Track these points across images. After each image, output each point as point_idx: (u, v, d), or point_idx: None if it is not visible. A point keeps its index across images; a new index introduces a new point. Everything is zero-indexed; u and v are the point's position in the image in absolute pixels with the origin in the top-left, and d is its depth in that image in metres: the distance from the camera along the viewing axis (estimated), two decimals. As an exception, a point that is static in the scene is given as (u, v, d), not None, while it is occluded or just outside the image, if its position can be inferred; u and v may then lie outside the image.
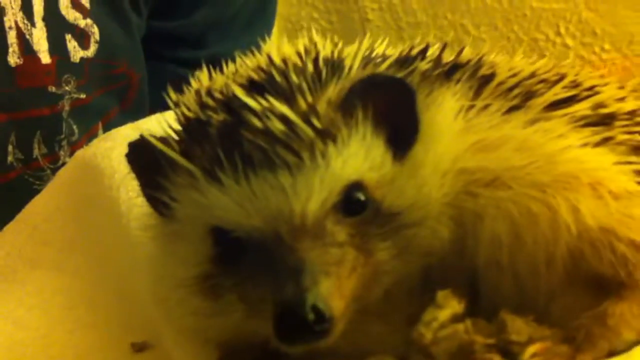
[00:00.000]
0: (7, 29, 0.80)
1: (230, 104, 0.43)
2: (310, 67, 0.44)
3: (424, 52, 0.47)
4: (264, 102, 0.42)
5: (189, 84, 0.52)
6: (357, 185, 0.42)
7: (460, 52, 0.48)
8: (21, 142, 0.83)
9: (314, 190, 0.40)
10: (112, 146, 0.64)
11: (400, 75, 0.44)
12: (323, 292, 0.39)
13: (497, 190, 0.42)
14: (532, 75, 0.47)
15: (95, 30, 0.89)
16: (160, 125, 0.53)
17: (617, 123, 0.45)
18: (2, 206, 0.78)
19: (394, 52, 0.48)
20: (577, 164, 0.42)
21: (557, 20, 1.68)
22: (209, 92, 0.46)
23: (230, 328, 0.45)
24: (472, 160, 0.42)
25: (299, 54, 0.45)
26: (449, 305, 0.40)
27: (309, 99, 0.42)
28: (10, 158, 0.83)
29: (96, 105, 0.90)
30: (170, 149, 0.44)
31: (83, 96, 0.88)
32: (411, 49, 0.48)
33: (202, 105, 0.45)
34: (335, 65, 0.44)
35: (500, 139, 0.42)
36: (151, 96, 0.96)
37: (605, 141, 0.44)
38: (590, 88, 0.48)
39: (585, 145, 0.43)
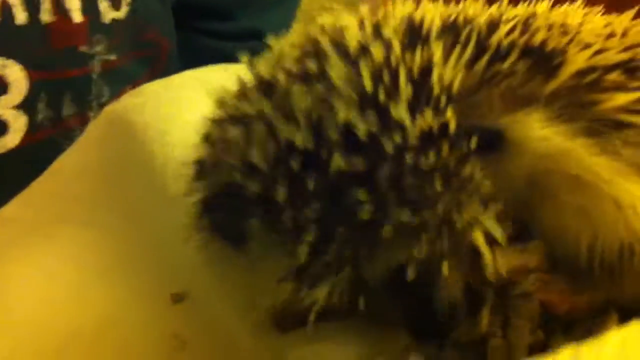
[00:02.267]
0: None
1: None
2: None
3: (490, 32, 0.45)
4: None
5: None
6: None
7: (526, 29, 0.45)
8: (51, 101, 0.83)
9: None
10: (144, 101, 0.63)
11: (477, 71, 0.43)
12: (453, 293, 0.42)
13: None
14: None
15: None
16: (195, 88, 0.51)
17: None
18: (31, 166, 0.78)
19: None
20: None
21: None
22: None
23: None
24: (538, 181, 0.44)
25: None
26: None
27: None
28: (40, 116, 0.82)
29: (126, 69, 0.90)
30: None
31: (114, 58, 0.88)
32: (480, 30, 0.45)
33: None
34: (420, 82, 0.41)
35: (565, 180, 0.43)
36: (180, 66, 0.96)
37: None
38: None
39: None
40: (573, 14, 0.48)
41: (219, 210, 0.44)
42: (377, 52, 0.41)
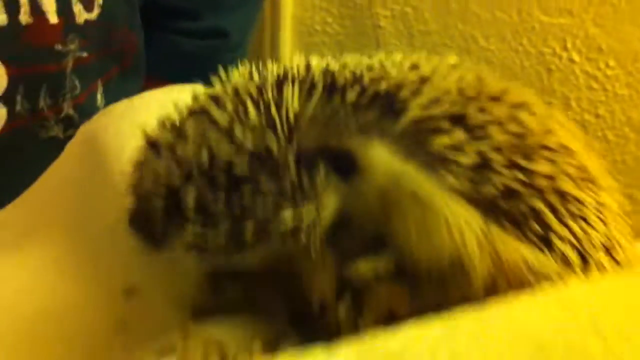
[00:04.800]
0: None
1: None
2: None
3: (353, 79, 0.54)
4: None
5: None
6: None
7: (379, 80, 0.54)
8: (29, 93, 0.90)
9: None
10: (109, 122, 0.72)
11: (332, 106, 0.52)
12: (321, 289, 0.51)
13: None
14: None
15: None
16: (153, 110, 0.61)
17: None
18: (9, 152, 0.87)
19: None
20: None
21: (565, 35, 1.71)
22: None
23: None
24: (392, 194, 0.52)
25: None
26: None
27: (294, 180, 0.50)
28: (18, 107, 0.89)
29: (97, 65, 0.97)
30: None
31: (85, 55, 0.95)
32: (334, 74, 0.55)
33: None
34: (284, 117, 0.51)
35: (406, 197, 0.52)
36: (149, 62, 1.03)
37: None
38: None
39: None
40: (425, 65, 0.57)
41: (138, 219, 0.54)
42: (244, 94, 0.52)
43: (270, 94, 0.52)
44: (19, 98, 0.89)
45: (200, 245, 0.50)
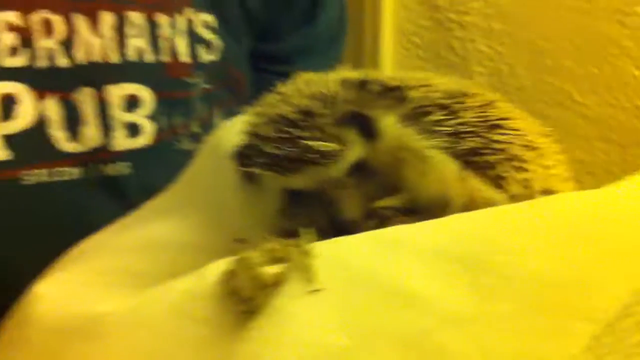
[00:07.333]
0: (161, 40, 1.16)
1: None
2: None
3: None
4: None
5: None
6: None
7: (394, 80, 0.81)
8: (168, 114, 1.16)
9: (343, 168, 0.76)
10: (223, 134, 0.97)
11: (361, 94, 0.79)
12: (353, 211, 0.76)
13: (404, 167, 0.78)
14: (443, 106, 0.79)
15: (219, 43, 1.24)
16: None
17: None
18: (157, 159, 1.13)
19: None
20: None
21: (660, 88, 1.66)
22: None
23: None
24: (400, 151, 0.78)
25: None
26: None
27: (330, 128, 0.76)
28: (161, 124, 1.15)
29: (216, 94, 1.23)
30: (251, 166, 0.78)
31: (208, 86, 1.22)
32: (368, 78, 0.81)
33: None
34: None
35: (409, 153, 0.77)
36: (254, 95, 1.28)
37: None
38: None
39: None
40: (434, 80, 0.83)
41: (237, 153, 0.81)
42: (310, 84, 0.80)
43: (322, 83, 0.79)
44: (161, 117, 1.17)
45: (271, 164, 0.75)
